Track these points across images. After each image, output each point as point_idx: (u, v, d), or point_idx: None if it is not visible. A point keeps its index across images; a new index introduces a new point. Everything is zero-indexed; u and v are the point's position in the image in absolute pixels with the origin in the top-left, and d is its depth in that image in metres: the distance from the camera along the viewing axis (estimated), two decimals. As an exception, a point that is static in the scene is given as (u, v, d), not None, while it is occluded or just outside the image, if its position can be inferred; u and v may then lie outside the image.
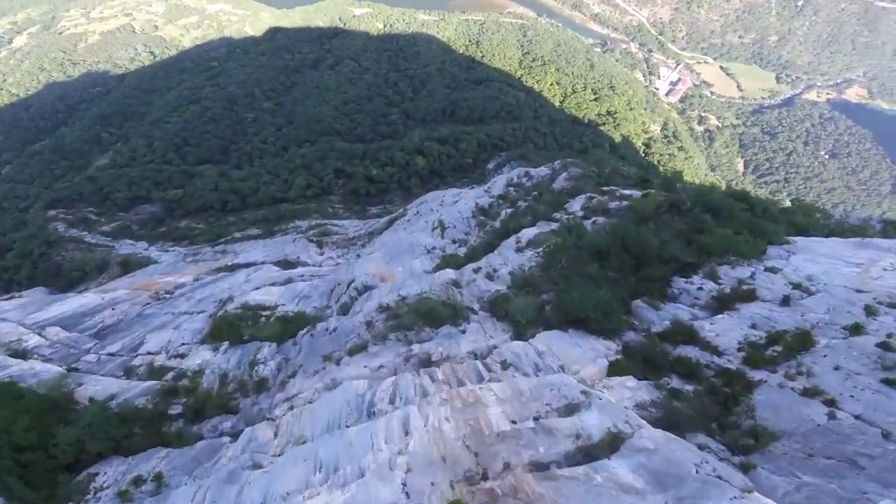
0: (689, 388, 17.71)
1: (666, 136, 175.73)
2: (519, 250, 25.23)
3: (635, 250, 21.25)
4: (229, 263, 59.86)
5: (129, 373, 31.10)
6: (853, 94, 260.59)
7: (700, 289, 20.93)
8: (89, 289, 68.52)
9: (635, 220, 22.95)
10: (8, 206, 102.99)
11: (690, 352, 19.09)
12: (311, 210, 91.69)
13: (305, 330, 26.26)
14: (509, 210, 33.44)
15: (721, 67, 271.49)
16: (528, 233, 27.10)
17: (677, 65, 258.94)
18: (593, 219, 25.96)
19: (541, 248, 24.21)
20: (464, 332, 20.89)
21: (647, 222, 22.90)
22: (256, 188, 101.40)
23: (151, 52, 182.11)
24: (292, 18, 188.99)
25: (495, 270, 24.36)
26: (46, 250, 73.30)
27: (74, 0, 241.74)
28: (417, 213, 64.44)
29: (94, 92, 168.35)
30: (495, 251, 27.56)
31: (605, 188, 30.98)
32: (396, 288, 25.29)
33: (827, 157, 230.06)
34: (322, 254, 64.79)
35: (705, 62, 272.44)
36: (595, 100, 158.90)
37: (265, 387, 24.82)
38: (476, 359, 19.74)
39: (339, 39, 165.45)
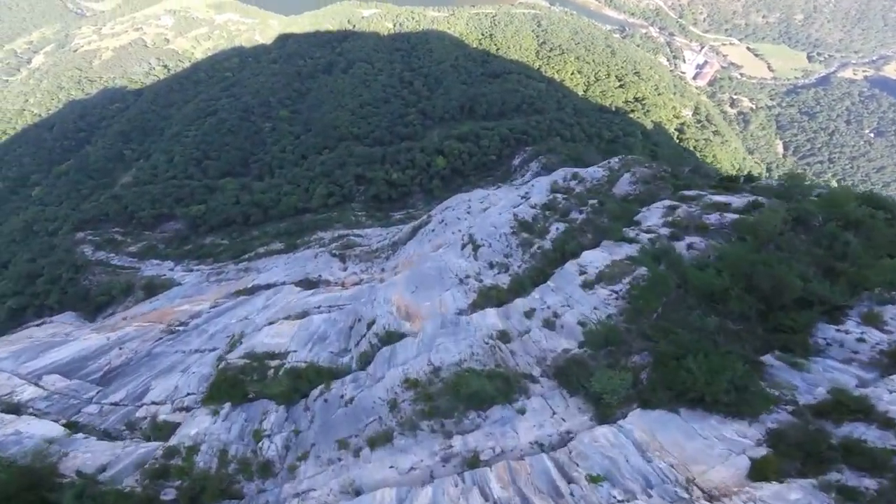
0: (870, 483, 11.97)
1: (699, 121, 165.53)
2: (587, 286, 19.32)
3: (765, 289, 15.17)
4: (249, 286, 56.47)
5: (131, 427, 27.41)
6: (892, 71, 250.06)
7: (860, 340, 14.84)
8: (116, 312, 66.63)
9: (755, 245, 16.84)
10: (38, 230, 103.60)
11: (863, 432, 13.17)
12: (333, 219, 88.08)
13: (318, 391, 21.22)
14: (560, 225, 27.31)
15: (748, 48, 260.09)
16: (593, 258, 21.16)
17: (702, 47, 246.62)
18: (687, 240, 19.70)
19: (620, 286, 18.25)
20: (522, 412, 15.32)
21: (767, 245, 16.84)
22: (278, 199, 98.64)
23: (165, 66, 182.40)
24: (301, 24, 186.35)
25: (556, 315, 18.62)
26: (74, 275, 72.66)
27: (84, 17, 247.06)
28: (442, 221, 59.13)
29: (113, 108, 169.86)
30: (549, 283, 21.79)
31: (686, 192, 24.40)
32: (426, 346, 19.68)
33: (872, 135, 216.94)
34: (345, 268, 60.56)
35: (731, 44, 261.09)
36: (620, 87, 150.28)
37: (271, 471, 19.94)
38: (543, 451, 14.18)
39: (350, 42, 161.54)
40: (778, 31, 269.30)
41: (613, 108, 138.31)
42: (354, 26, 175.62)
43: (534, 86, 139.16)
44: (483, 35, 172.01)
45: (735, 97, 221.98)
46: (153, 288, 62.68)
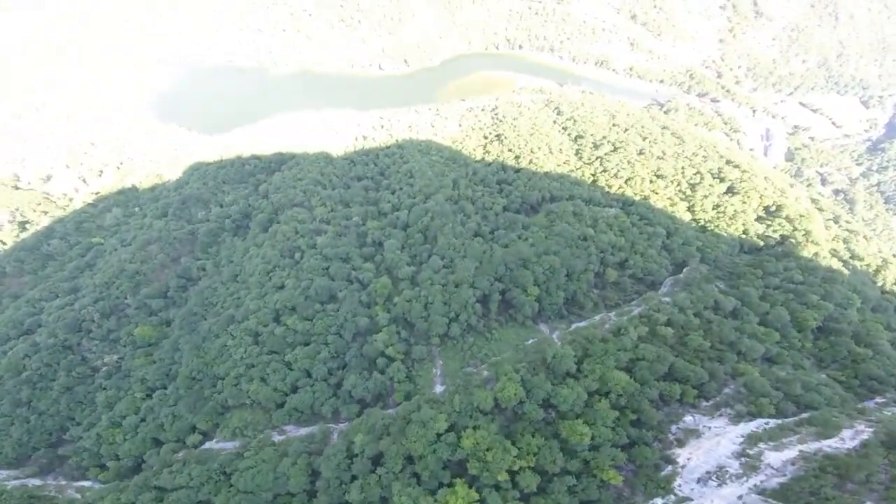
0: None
1: (833, 221, 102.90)
2: None
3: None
4: None
5: None
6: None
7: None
8: None
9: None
10: None
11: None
12: None
13: None
14: None
15: (801, 104, 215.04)
16: None
17: (754, 112, 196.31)
18: None
19: None
20: None
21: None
22: None
23: (22, 222, 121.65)
24: (231, 147, 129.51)
25: None
26: None
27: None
28: None
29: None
30: None
31: None
32: None
33: None
34: None
35: (781, 101, 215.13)
36: (731, 193, 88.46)
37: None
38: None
39: (284, 173, 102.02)
40: (824, 78, 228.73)
41: (758, 240, 74.54)
42: (293, 148, 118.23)
43: (603, 216, 77.12)
44: (487, 137, 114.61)
45: (822, 171, 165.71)
46: None
